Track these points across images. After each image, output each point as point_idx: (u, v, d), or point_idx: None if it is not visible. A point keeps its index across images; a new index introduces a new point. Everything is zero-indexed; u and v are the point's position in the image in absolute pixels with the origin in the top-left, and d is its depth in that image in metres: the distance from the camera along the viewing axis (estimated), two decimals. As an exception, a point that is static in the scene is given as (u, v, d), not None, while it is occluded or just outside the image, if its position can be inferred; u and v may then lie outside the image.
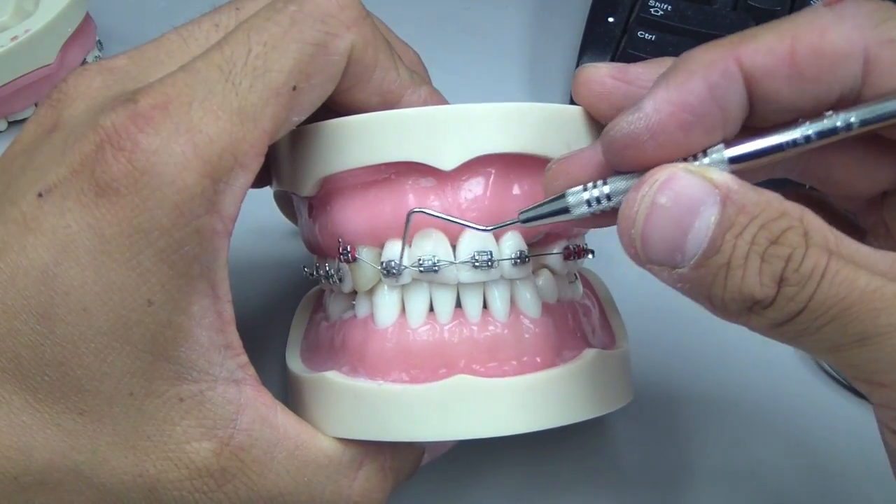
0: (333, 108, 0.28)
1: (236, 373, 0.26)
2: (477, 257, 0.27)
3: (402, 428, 0.27)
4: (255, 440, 0.26)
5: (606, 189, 0.24)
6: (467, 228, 0.27)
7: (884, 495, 0.35)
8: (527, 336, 0.28)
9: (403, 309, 0.28)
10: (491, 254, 0.27)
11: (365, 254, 0.28)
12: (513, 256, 0.28)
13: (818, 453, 0.37)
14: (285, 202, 0.36)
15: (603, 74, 0.27)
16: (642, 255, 0.22)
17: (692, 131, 0.23)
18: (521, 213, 0.26)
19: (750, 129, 0.23)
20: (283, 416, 0.26)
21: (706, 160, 0.23)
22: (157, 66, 0.26)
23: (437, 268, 0.27)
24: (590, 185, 0.24)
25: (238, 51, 0.25)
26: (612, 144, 0.24)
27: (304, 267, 0.33)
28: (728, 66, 0.23)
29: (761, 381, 0.39)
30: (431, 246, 0.27)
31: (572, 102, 0.28)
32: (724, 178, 0.22)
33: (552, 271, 0.30)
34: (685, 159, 0.23)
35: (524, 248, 0.28)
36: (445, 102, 0.30)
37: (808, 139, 0.22)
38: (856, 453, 0.37)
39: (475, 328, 0.28)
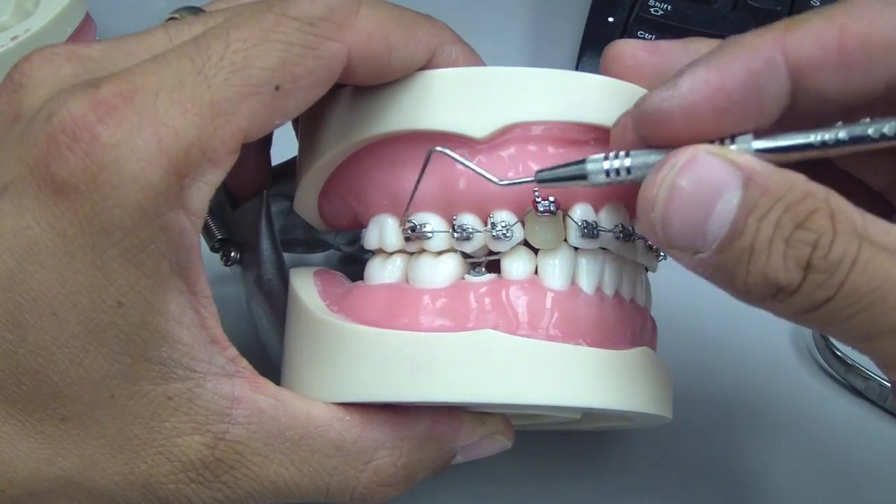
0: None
1: (227, 367, 0.25)
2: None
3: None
4: (253, 432, 0.25)
5: (628, 162, 0.24)
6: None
7: (884, 493, 0.35)
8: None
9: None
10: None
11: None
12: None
13: (818, 452, 0.37)
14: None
15: (634, 48, 0.27)
16: (663, 239, 0.22)
17: (726, 117, 0.22)
18: (539, 172, 0.25)
19: (788, 121, 0.23)
20: (286, 406, 0.26)
21: (733, 146, 0.23)
22: (135, 60, 0.25)
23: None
24: (611, 154, 0.24)
25: (215, 45, 0.23)
26: (642, 117, 0.23)
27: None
28: (773, 55, 0.22)
29: (761, 381, 0.39)
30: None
31: None
32: (747, 159, 0.21)
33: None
34: (712, 141, 0.23)
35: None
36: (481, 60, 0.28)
37: (839, 142, 0.22)
38: (856, 452, 0.37)
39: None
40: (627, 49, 0.27)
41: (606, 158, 0.24)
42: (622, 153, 0.24)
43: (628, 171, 0.24)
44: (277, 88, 0.24)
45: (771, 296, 0.21)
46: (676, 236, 0.22)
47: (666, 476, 0.36)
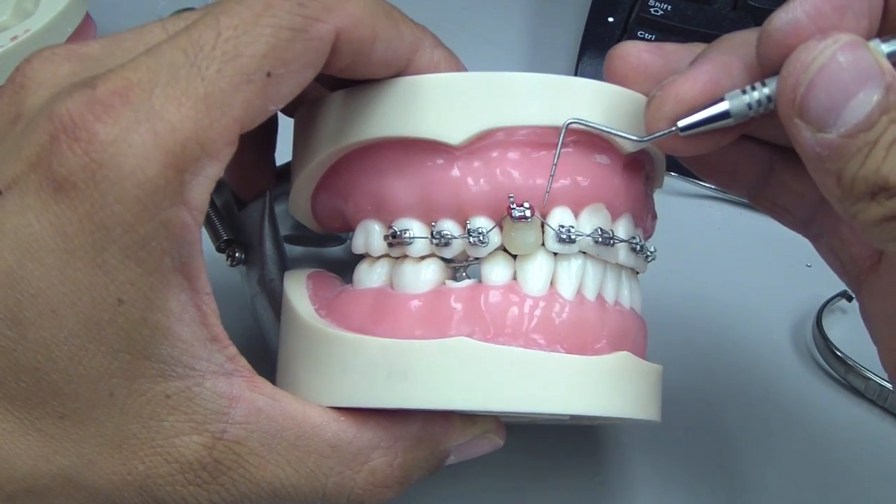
0: (341, 80, 0.27)
1: (226, 365, 0.25)
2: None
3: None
4: (251, 432, 0.25)
5: (766, 91, 0.24)
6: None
7: (884, 493, 0.35)
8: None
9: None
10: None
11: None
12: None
13: (818, 452, 0.37)
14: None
15: (639, 49, 0.27)
16: (798, 105, 0.23)
17: (845, 13, 0.23)
18: (679, 121, 0.25)
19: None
20: (283, 406, 0.26)
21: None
22: (133, 56, 0.25)
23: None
24: (747, 87, 0.24)
25: (206, 34, 0.23)
26: (772, 36, 0.24)
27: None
28: None
29: (760, 382, 0.39)
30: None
31: None
32: (891, 67, 0.22)
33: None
34: None
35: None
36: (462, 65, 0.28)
37: None
38: (856, 452, 0.37)
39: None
40: (633, 50, 0.27)
41: (744, 92, 0.24)
42: (758, 84, 0.24)
43: (769, 98, 0.24)
44: (269, 75, 0.24)
45: (870, 194, 0.22)
46: (813, 106, 0.22)
47: (665, 476, 0.36)
